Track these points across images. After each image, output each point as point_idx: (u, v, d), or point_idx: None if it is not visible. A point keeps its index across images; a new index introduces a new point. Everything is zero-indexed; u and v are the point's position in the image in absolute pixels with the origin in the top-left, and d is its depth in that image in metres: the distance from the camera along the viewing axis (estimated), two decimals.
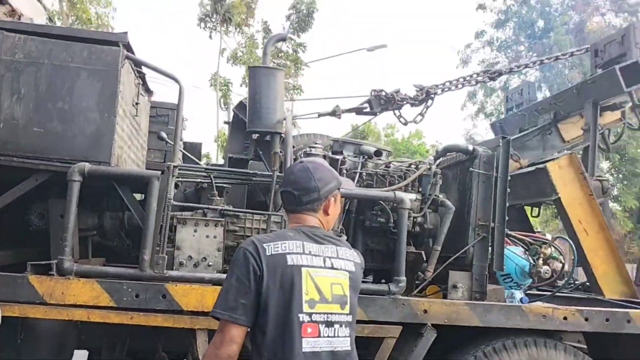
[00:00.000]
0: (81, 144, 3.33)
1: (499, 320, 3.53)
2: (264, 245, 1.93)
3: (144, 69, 4.13)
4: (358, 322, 2.83)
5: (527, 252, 4.07)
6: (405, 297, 3.53)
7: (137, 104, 4.03)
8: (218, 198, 3.65)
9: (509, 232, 4.01)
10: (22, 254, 3.78)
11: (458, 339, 3.68)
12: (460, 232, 3.85)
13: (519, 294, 3.91)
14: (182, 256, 3.40)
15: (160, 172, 3.43)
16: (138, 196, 3.88)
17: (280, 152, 3.78)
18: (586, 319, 3.62)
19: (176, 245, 3.41)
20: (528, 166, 5.07)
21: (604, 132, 5.50)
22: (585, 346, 4.10)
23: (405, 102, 4.83)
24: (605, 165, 20.76)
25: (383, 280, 3.74)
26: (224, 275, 1.99)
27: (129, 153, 3.91)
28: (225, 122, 6.16)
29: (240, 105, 4.57)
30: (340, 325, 1.98)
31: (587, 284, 4.90)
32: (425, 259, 3.75)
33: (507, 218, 3.77)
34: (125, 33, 3.48)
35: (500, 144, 3.79)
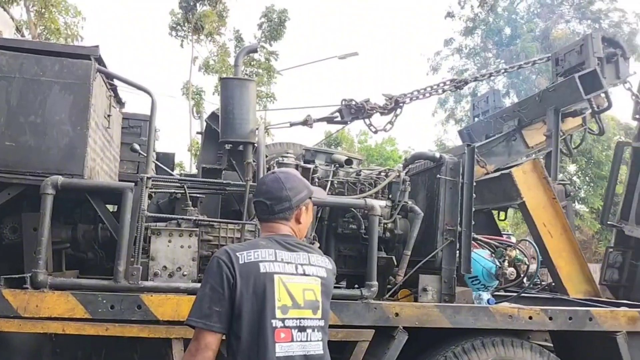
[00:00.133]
0: (54, 157, 3.35)
1: (467, 321, 3.65)
2: (237, 253, 1.99)
3: (116, 81, 4.15)
4: (332, 326, 2.90)
5: (493, 255, 4.21)
6: (377, 301, 3.62)
7: (109, 115, 4.06)
8: (192, 208, 3.69)
9: (476, 236, 4.15)
10: None
11: (429, 341, 3.79)
12: (429, 237, 3.97)
13: (486, 296, 4.05)
14: (157, 266, 3.43)
15: (133, 183, 3.46)
16: (111, 207, 3.90)
17: (253, 161, 3.84)
18: (550, 318, 3.76)
19: (151, 256, 3.44)
20: (494, 172, 5.24)
21: (566, 137, 5.72)
22: (551, 344, 4.25)
23: (374, 111, 4.96)
24: (572, 168, 21.33)
25: (356, 286, 3.83)
26: (199, 285, 2.05)
27: (101, 165, 3.93)
28: (198, 133, 6.18)
29: (213, 116, 4.59)
30: (313, 330, 2.04)
31: (553, 284, 5.08)
32: (396, 263, 3.86)
33: (473, 222, 3.91)
34: (97, 47, 3.52)
35: (466, 151, 3.93)
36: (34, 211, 3.32)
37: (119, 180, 4.32)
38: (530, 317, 3.74)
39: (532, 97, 5.82)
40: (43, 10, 12.58)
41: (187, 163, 21.01)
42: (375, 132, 5.21)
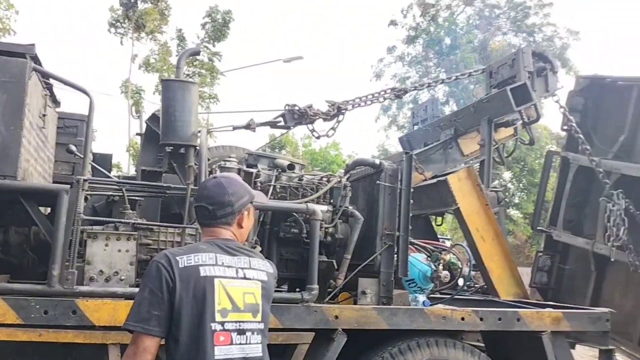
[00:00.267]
0: None
1: (404, 323, 3.76)
2: (177, 257, 2.00)
3: (53, 81, 4.03)
4: (273, 329, 2.93)
5: (429, 259, 4.36)
6: (318, 304, 3.68)
7: (44, 115, 3.93)
8: (130, 211, 3.63)
9: (413, 240, 4.29)
10: None
11: (367, 342, 3.88)
12: (368, 241, 4.07)
13: (422, 298, 4.19)
14: (93, 271, 3.36)
15: (69, 185, 3.38)
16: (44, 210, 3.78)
17: (195, 165, 3.82)
18: (481, 319, 3.94)
19: (86, 260, 3.36)
20: (431, 178, 5.42)
21: (499, 146, 5.99)
22: (483, 345, 4.44)
23: (317, 117, 5.02)
24: (507, 175, 22.27)
25: (297, 289, 3.87)
26: (138, 289, 2.04)
27: (35, 166, 3.80)
28: (137, 134, 6.05)
29: (153, 117, 4.51)
30: (252, 333, 2.07)
31: (485, 287, 5.31)
32: (336, 267, 3.93)
33: (410, 227, 4.04)
34: (33, 45, 3.41)
35: (404, 158, 4.07)
36: None
37: (54, 182, 4.19)
38: (463, 318, 3.89)
39: (468, 108, 6.06)
40: None
41: (125, 164, 20.45)
42: (318, 137, 5.28)
